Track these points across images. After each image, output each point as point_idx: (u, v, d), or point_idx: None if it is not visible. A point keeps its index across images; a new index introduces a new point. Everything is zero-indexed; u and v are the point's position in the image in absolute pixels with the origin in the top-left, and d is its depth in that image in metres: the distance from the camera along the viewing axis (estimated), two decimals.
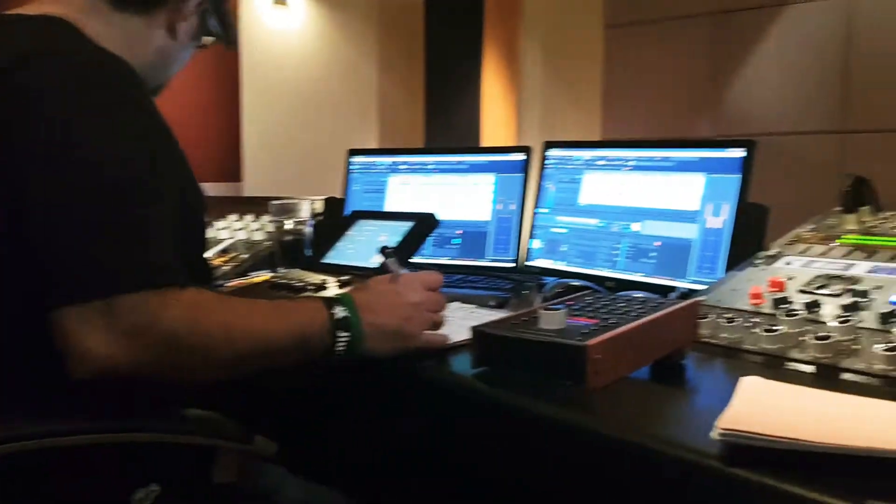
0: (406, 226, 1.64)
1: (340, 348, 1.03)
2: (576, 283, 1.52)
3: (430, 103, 4.26)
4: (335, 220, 2.02)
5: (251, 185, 4.88)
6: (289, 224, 1.90)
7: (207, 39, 1.26)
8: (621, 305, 1.07)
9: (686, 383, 1.02)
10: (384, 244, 1.22)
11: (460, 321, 1.27)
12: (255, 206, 2.23)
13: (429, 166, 1.99)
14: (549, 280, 1.57)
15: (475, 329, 1.02)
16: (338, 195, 2.13)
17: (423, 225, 1.64)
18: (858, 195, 1.39)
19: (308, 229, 1.90)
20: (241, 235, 2.09)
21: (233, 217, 2.19)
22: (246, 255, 2.00)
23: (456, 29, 4.14)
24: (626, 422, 0.86)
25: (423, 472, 1.17)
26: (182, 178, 1.11)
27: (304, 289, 1.59)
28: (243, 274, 1.88)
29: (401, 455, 1.19)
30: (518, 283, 1.66)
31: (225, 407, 1.06)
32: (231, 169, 5.00)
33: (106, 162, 0.94)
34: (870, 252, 1.26)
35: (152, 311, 0.90)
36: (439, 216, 1.66)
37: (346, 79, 4.72)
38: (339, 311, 1.04)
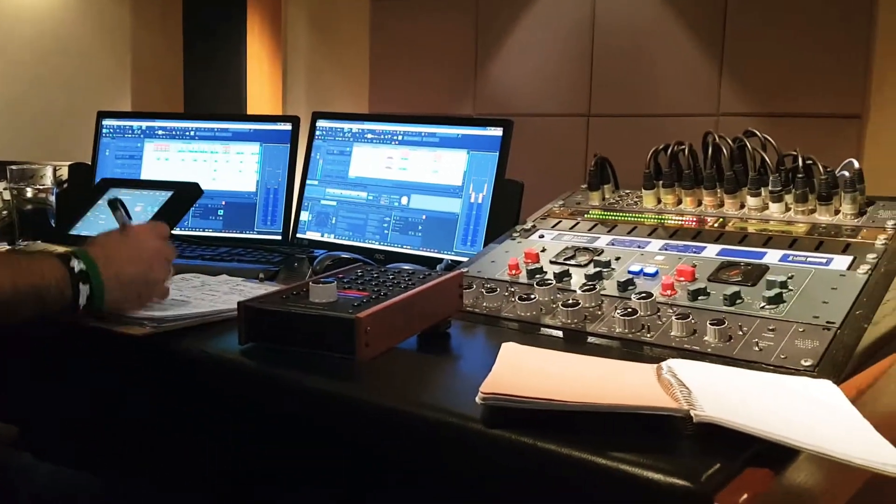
0: (165, 195, 1.56)
1: (82, 302, 1.02)
2: (346, 255, 1.53)
3: (191, 66, 4.04)
4: (84, 188, 1.87)
5: None
6: (30, 192, 1.72)
7: None
8: (391, 278, 1.09)
9: (451, 351, 1.07)
10: (116, 196, 1.17)
11: (225, 295, 1.23)
12: None
13: (189, 132, 1.89)
14: (319, 253, 1.57)
15: (242, 304, 0.99)
16: (87, 161, 1.97)
17: (184, 195, 1.56)
18: (601, 174, 1.51)
19: (52, 198, 1.73)
20: None
21: None
22: None
23: None
24: (395, 391, 0.88)
25: (189, 452, 1.12)
26: None
27: None
28: None
29: (164, 435, 1.13)
30: (287, 255, 1.64)
31: None
32: None
33: None
34: (611, 226, 1.38)
35: None
36: (202, 186, 1.59)
37: (96, 34, 4.34)
38: (77, 265, 1.02)
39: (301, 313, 0.96)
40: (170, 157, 1.90)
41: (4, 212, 1.84)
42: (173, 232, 1.52)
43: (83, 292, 1.01)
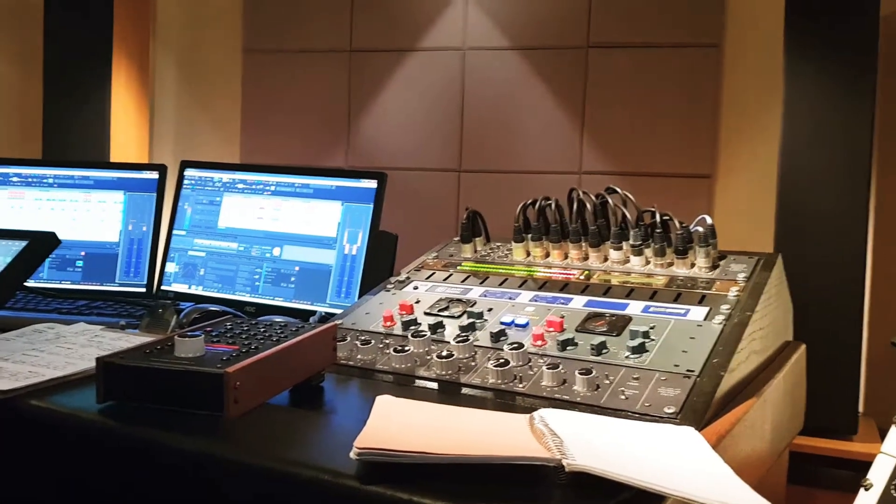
0: (18, 245, 1.46)
1: None
2: (215, 308, 1.48)
3: (50, 111, 3.84)
4: None
5: None
6: None
7: None
8: (262, 330, 1.06)
9: (325, 405, 1.04)
10: None
11: (82, 349, 1.17)
12: None
13: (47, 180, 1.80)
14: (186, 305, 1.51)
15: (101, 360, 0.94)
16: None
17: (39, 245, 1.47)
18: (473, 227, 1.55)
19: None
20: None
21: None
22: None
23: (79, 33, 3.80)
24: (266, 448, 0.85)
25: None
26: None
27: None
28: None
29: None
30: (151, 308, 1.57)
31: None
32: None
33: None
34: (483, 277, 1.41)
35: None
36: (59, 235, 1.51)
37: None
38: None
39: (166, 369, 0.92)
40: (25, 206, 1.79)
41: None
42: (26, 284, 1.43)
43: None
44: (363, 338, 1.20)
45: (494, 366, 1.08)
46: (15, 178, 1.81)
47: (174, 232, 1.72)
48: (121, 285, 1.72)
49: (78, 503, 0.98)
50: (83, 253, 1.74)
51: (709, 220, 1.36)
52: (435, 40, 3.53)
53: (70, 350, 1.17)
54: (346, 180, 1.60)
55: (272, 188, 1.66)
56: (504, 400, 1.04)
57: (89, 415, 0.94)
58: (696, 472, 0.77)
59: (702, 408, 0.96)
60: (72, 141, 3.79)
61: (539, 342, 1.14)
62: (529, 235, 1.48)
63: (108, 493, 0.95)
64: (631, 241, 1.38)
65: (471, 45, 3.46)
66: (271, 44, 3.78)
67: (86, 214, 1.76)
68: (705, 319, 1.16)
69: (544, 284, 1.35)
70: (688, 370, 1.03)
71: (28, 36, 4.02)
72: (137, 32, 4.06)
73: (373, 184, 1.57)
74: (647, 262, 1.37)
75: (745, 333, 1.11)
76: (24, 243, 1.46)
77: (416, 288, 1.39)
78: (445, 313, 1.28)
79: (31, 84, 4.02)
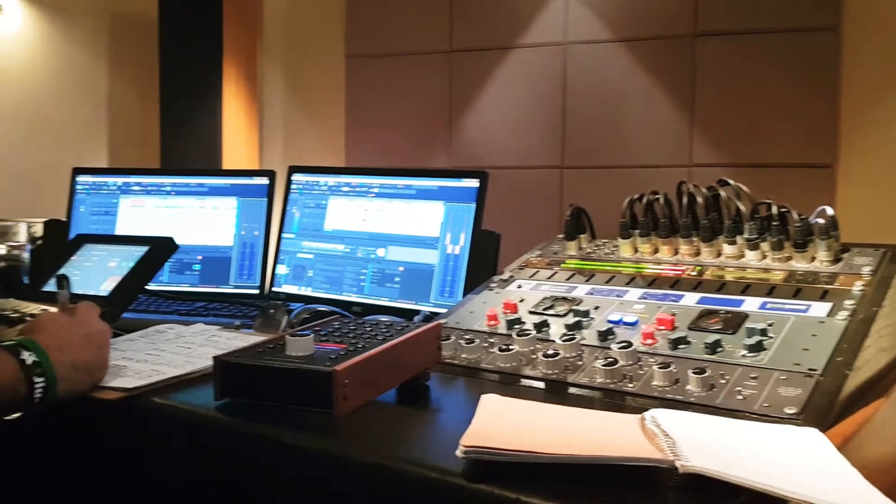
0: (140, 251, 1.54)
1: (38, 395, 0.95)
2: (323, 308, 1.51)
3: (167, 121, 4.04)
4: (58, 244, 1.84)
5: None
6: (2, 249, 1.70)
7: None
8: (368, 330, 1.08)
9: (431, 404, 1.05)
10: (63, 273, 1.14)
11: (200, 348, 1.21)
12: None
13: (165, 188, 1.88)
14: (296, 306, 1.55)
15: (218, 359, 0.97)
16: (62, 217, 1.95)
17: (159, 250, 1.54)
18: (577, 224, 1.52)
19: (26, 255, 1.71)
20: None
21: None
22: None
23: (193, 46, 3.98)
24: (374, 445, 0.86)
25: None
26: None
27: (21, 320, 1.43)
28: None
29: (142, 499, 1.09)
30: (264, 309, 1.62)
31: None
32: None
33: None
34: (589, 275, 1.38)
35: None
36: (177, 241, 1.58)
37: (73, 91, 4.35)
38: (29, 356, 0.95)
39: (277, 367, 0.94)
40: (146, 213, 1.88)
41: None
42: (148, 287, 1.51)
43: (38, 387, 0.94)
44: (467, 337, 1.20)
45: (602, 365, 1.05)
46: (136, 187, 1.91)
47: (283, 235, 1.77)
48: (235, 287, 1.78)
49: (194, 496, 1.01)
50: (200, 257, 1.81)
51: (830, 212, 1.29)
52: (535, 36, 3.50)
53: (189, 349, 1.21)
54: (448, 180, 1.61)
55: (376, 190, 1.68)
56: (613, 400, 1.02)
57: (207, 411, 0.97)
58: (821, 474, 0.73)
59: (825, 408, 0.90)
60: (187, 150, 3.97)
61: (649, 341, 1.11)
62: (637, 231, 1.44)
63: (221, 486, 0.99)
64: (746, 235, 1.33)
65: (572, 40, 3.42)
66: (373, 49, 3.84)
67: (202, 220, 1.84)
68: (828, 315, 1.10)
69: (654, 281, 1.31)
70: (810, 369, 0.98)
71: (145, 57, 4.24)
72: (245, 44, 4.21)
73: (475, 183, 1.57)
74: (764, 257, 1.31)
75: (872, 329, 1.05)
76: (145, 249, 1.54)
77: (519, 286, 1.38)
78: (550, 312, 1.26)
79: (148, 101, 4.24)
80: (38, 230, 1.96)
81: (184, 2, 3.99)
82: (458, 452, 0.75)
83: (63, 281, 1.12)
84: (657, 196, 1.43)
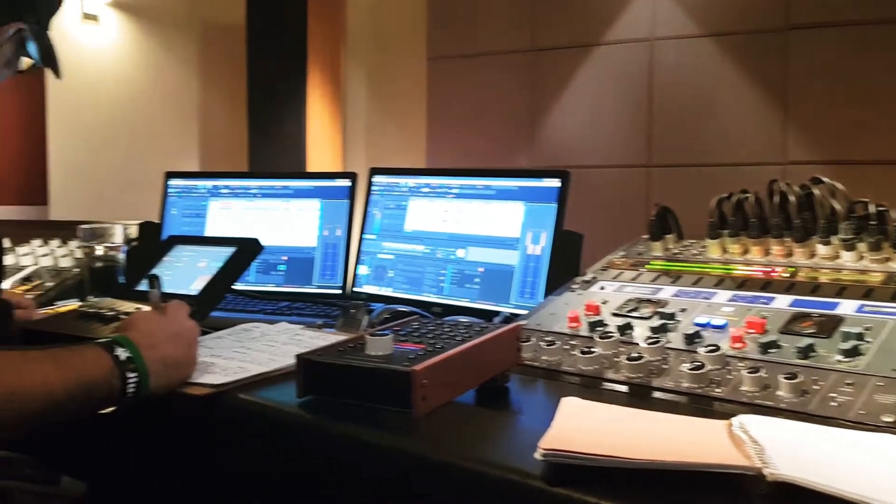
0: (227, 251, 1.58)
1: (131, 390, 0.99)
2: (403, 308, 1.52)
3: (255, 126, 4.16)
4: (151, 245, 1.91)
5: (58, 208, 4.54)
6: (100, 250, 1.77)
7: (26, 62, 1.17)
8: (447, 330, 1.07)
9: (510, 405, 1.04)
10: (152, 272, 1.17)
11: (284, 346, 1.23)
12: (62, 230, 2.07)
13: (252, 190, 1.93)
14: (377, 306, 1.57)
15: (300, 357, 0.99)
16: (155, 220, 2.03)
17: (246, 251, 1.58)
18: (663, 224, 1.48)
19: (121, 255, 1.78)
20: (46, 262, 1.94)
21: (37, 242, 2.03)
22: (51, 284, 1.85)
23: (279, 51, 4.08)
24: (453, 446, 0.86)
25: None
26: None
27: (116, 318, 1.48)
28: (49, 303, 1.74)
29: (225, 491, 1.12)
30: (345, 309, 1.64)
31: (27, 445, 0.96)
32: (35, 191, 4.63)
33: None
34: (675, 277, 1.34)
35: None
36: (263, 242, 1.61)
37: (165, 98, 4.53)
38: (122, 353, 0.99)
39: (357, 366, 0.95)
40: (233, 215, 1.94)
41: (76, 269, 1.89)
42: (235, 287, 1.54)
43: (131, 382, 0.99)
44: (548, 339, 1.18)
45: (689, 369, 1.02)
46: (224, 190, 1.96)
47: (365, 236, 1.79)
48: (318, 287, 1.81)
49: (274, 490, 1.03)
50: (285, 258, 1.85)
51: None
52: (620, 33, 3.44)
53: (273, 347, 1.24)
54: (529, 180, 1.59)
55: (455, 191, 1.68)
56: (699, 405, 0.98)
57: (290, 408, 0.99)
58: None
59: None
60: (273, 154, 4.07)
61: (738, 344, 1.07)
62: (726, 231, 1.39)
63: (301, 482, 1.00)
64: (841, 235, 1.27)
65: (659, 35, 3.35)
66: (455, 50, 3.85)
67: (286, 221, 1.87)
68: None
69: (743, 283, 1.27)
70: None
71: (233, 64, 4.37)
72: (330, 49, 4.29)
73: (556, 183, 1.55)
74: (861, 258, 1.25)
75: None
76: (232, 249, 1.58)
77: (602, 288, 1.36)
78: (634, 314, 1.24)
79: (236, 107, 4.37)
80: (133, 232, 2.04)
81: (270, 9, 4.10)
82: (537, 455, 0.74)
83: (154, 281, 1.16)
84: (747, 195, 1.38)
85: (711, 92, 3.23)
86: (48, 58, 1.20)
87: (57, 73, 1.24)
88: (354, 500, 0.94)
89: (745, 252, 1.37)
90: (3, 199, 4.42)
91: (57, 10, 1.26)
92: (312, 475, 0.98)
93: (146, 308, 1.47)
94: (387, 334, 0.99)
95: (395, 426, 0.90)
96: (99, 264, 1.79)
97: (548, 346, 1.16)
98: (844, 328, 1.04)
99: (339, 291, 1.79)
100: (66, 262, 1.94)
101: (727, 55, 3.18)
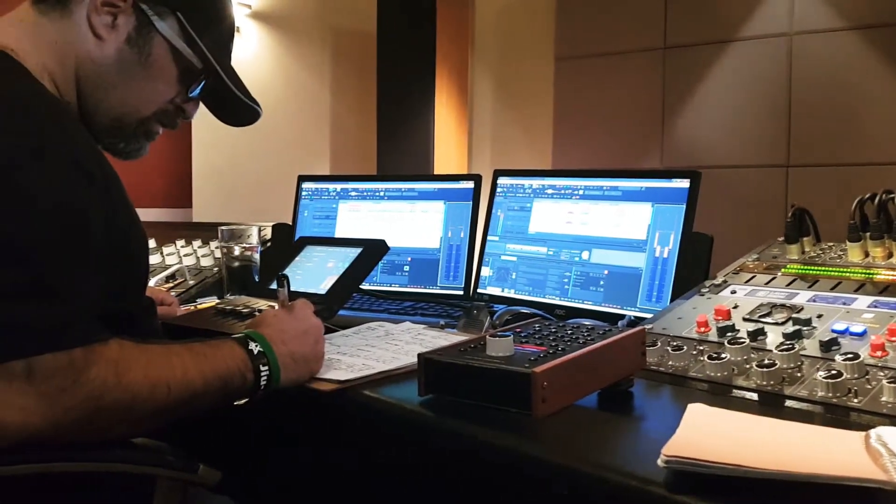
0: (354, 252, 1.63)
1: (263, 383, 1.04)
2: (525, 310, 1.52)
3: (383, 130, 4.26)
4: (284, 246, 1.99)
5: (201, 210, 4.81)
6: (237, 250, 1.87)
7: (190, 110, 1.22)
8: (569, 333, 1.07)
9: (633, 411, 1.02)
10: (284, 273, 1.21)
11: (406, 345, 1.26)
12: (204, 231, 2.19)
13: (379, 193, 1.98)
14: (499, 307, 1.57)
15: (422, 356, 1.01)
16: (288, 222, 2.11)
17: (372, 251, 1.62)
18: (800, 226, 1.42)
19: (256, 255, 1.87)
20: (189, 261, 2.06)
21: (180, 243, 2.16)
22: (193, 282, 1.97)
23: (408, 56, 4.16)
24: (573, 449, 0.85)
25: (369, 502, 1.14)
26: (124, 217, 1.07)
27: (251, 315, 1.56)
28: (191, 300, 1.85)
29: (347, 485, 1.16)
30: (468, 310, 1.65)
31: (168, 434, 1.03)
32: (181, 194, 4.93)
33: (27, 215, 0.89)
34: (811, 281, 1.28)
35: (74, 371, 0.87)
36: (389, 243, 1.65)
37: (300, 106, 4.71)
38: (255, 347, 1.04)
39: (477, 366, 0.95)
40: (361, 217, 1.99)
41: (215, 268, 2.00)
42: (361, 286, 1.59)
43: (263, 375, 1.03)
44: (675, 343, 1.15)
45: (825, 377, 0.97)
46: (353, 193, 2.02)
47: (488, 238, 1.80)
48: (441, 288, 1.83)
49: (393, 485, 1.05)
50: (409, 258, 1.88)
51: None
52: (757, 28, 3.30)
53: (397, 346, 1.27)
54: (657, 181, 1.55)
55: (580, 192, 1.66)
56: (835, 415, 0.93)
57: (412, 406, 1.01)
58: None
59: None
60: (401, 157, 4.15)
61: (879, 353, 1.01)
62: (868, 234, 1.31)
63: (421, 478, 1.02)
64: None
65: (799, 30, 3.19)
66: (582, 49, 3.81)
67: (411, 223, 1.91)
68: None
69: (886, 288, 1.19)
70: None
71: (363, 70, 4.49)
72: (457, 52, 4.33)
73: (685, 183, 1.51)
74: None
75: None
76: (359, 250, 1.62)
77: (733, 292, 1.31)
78: (767, 319, 1.19)
79: (365, 112, 4.49)
80: (268, 233, 2.13)
81: (400, 16, 4.18)
82: (660, 461, 0.73)
83: (283, 280, 1.21)
84: (892, 195, 1.30)
85: (854, 88, 3.05)
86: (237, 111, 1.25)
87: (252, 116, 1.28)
88: (471, 499, 0.95)
89: (889, 256, 1.29)
90: (151, 202, 4.73)
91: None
92: (431, 473, 1.00)
93: (276, 306, 1.54)
94: (508, 335, 1.00)
95: (515, 427, 0.90)
96: (236, 264, 1.89)
97: (674, 350, 1.13)
98: None
99: (462, 292, 1.81)
100: (206, 262, 2.05)
101: (872, 49, 2.99)
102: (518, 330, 1.09)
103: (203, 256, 2.07)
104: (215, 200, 4.76)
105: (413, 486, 1.04)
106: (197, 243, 2.14)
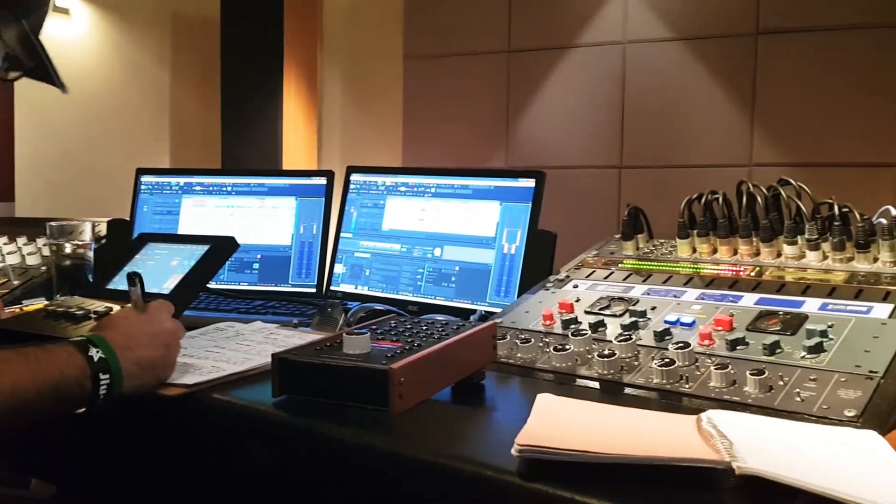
0: (201, 249, 1.57)
1: (103, 392, 0.98)
2: (380, 307, 1.53)
3: (228, 121, 4.13)
4: (121, 243, 1.90)
5: (24, 205, 4.47)
6: (68, 248, 1.76)
7: (12, 74, 1.12)
8: (424, 328, 1.09)
9: (486, 403, 1.05)
10: (135, 270, 1.15)
11: (259, 345, 1.24)
12: (30, 227, 2.05)
13: (226, 188, 1.93)
14: (353, 305, 1.57)
15: (276, 356, 1.00)
16: (125, 217, 2.01)
17: (220, 249, 1.57)
18: (635, 223, 1.51)
19: (90, 253, 1.77)
20: (13, 260, 1.92)
21: (3, 240, 2.01)
22: (18, 282, 1.84)
23: (254, 46, 4.06)
24: (430, 443, 0.87)
25: None
26: None
27: (86, 317, 1.47)
28: (15, 302, 1.72)
29: (200, 494, 1.13)
30: (321, 307, 1.65)
31: None
32: (1, 186, 4.56)
33: None
34: (646, 275, 1.37)
35: None
36: (237, 240, 1.61)
37: (136, 92, 4.47)
38: (96, 353, 0.98)
39: (334, 365, 0.96)
40: (207, 213, 1.93)
41: (43, 267, 1.88)
42: (208, 286, 1.54)
43: (103, 383, 0.97)
44: (523, 336, 1.20)
45: (659, 365, 1.04)
46: (198, 187, 1.95)
47: (341, 234, 1.79)
48: (293, 286, 1.81)
49: (250, 489, 1.04)
50: (259, 256, 1.85)
51: (894, 212, 1.26)
52: (594, 36, 3.47)
53: (248, 347, 1.24)
54: (505, 180, 1.61)
55: (433, 190, 1.69)
56: (669, 401, 1.01)
57: (265, 407, 0.99)
58: (880, 478, 0.71)
59: (885, 411, 0.88)
60: (248, 151, 4.04)
61: (706, 341, 1.10)
62: (695, 231, 1.42)
63: (277, 481, 1.01)
64: (806, 236, 1.30)
65: (631, 38, 3.38)
66: (431, 49, 3.86)
67: (261, 219, 1.87)
68: (890, 317, 1.07)
69: (712, 282, 1.30)
70: (870, 371, 0.96)
71: (206, 59, 4.33)
72: (306, 46, 4.27)
73: (531, 183, 1.57)
74: (825, 258, 1.29)
75: None
76: (206, 247, 1.57)
77: (575, 286, 1.38)
78: (607, 312, 1.26)
79: (209, 103, 4.33)
80: (103, 229, 2.02)
81: (245, 3, 4.07)
82: (514, 451, 0.76)
83: (135, 279, 1.14)
84: (716, 196, 1.41)
85: (682, 95, 3.28)
86: (44, 71, 1.15)
87: (62, 87, 1.19)
88: (329, 498, 0.95)
89: (714, 251, 1.40)
90: None
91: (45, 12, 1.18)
92: (287, 475, 0.99)
93: (118, 307, 1.46)
94: (364, 333, 1.00)
95: (372, 424, 0.91)
96: (67, 262, 1.77)
97: (523, 343, 1.18)
98: (809, 326, 1.07)
99: (315, 290, 1.79)
100: (33, 260, 1.92)
101: (697, 59, 3.23)
102: (374, 327, 1.10)
103: (29, 255, 1.94)
104: (41, 194, 4.44)
105: (268, 489, 1.02)
106: (22, 240, 2.00)
